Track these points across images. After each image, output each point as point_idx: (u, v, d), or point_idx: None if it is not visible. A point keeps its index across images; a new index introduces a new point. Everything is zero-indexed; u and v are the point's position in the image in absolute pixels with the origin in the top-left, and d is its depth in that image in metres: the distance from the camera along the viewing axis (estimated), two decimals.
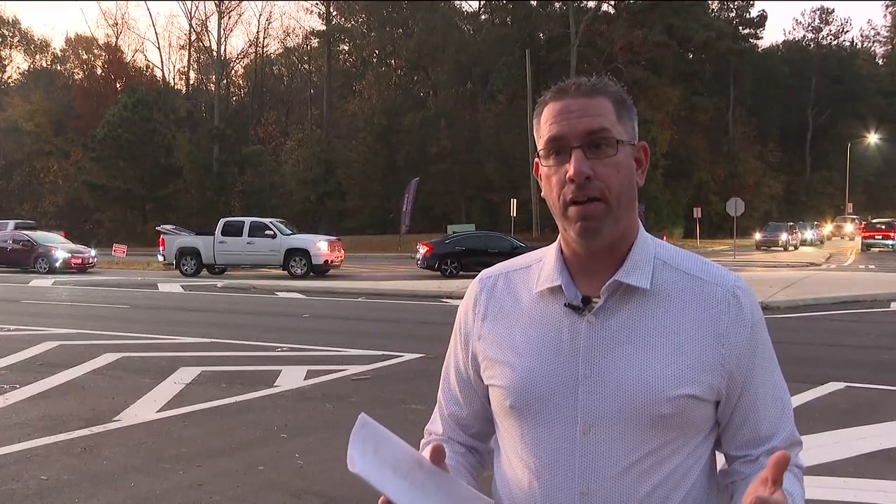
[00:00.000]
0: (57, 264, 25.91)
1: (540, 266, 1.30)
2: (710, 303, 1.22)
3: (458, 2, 67.97)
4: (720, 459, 1.33)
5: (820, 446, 5.42)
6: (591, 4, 58.90)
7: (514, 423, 1.26)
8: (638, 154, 1.26)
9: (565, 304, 1.24)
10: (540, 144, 1.24)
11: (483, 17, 65.28)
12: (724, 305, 1.22)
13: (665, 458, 1.19)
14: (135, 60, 70.58)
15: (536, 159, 1.26)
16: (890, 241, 41.10)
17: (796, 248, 43.84)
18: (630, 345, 1.19)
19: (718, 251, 39.51)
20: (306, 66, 71.39)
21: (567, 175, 1.18)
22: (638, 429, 1.17)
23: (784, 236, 42.52)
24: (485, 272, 1.39)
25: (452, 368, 1.41)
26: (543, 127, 1.23)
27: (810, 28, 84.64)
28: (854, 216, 64.12)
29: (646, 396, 1.17)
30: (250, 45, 70.52)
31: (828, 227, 62.22)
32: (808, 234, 50.44)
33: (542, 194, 1.26)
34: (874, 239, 42.33)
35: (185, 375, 7.97)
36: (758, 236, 43.08)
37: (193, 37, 67.88)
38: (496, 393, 1.29)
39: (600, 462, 1.19)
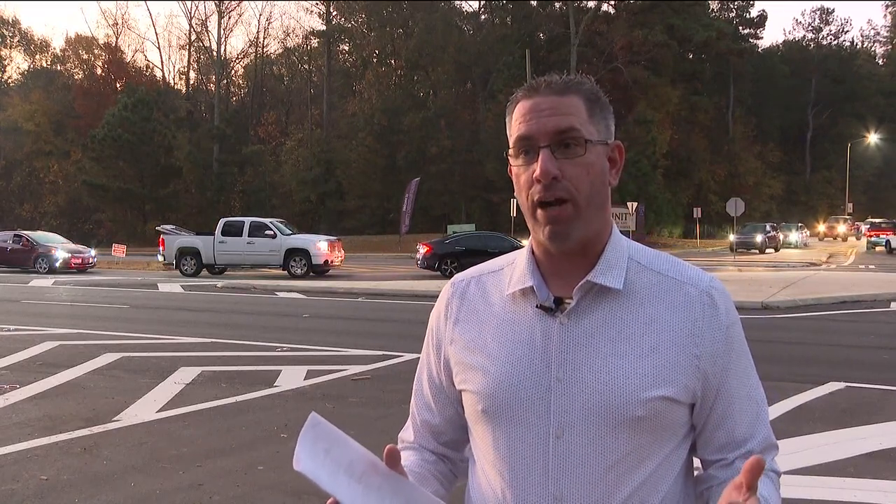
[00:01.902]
0: (57, 264, 25.92)
1: (512, 268, 1.29)
2: (684, 303, 1.19)
3: (458, 2, 68.09)
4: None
5: (820, 446, 5.42)
6: (591, 4, 58.95)
7: (486, 428, 1.24)
8: (612, 153, 1.23)
9: (537, 306, 1.21)
10: (510, 143, 1.22)
11: (483, 17, 65.29)
12: (699, 306, 1.19)
13: (640, 461, 1.16)
14: (135, 60, 70.68)
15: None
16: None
17: (777, 250, 41.55)
18: (603, 346, 1.17)
19: (718, 251, 39.52)
20: (306, 66, 71.37)
21: (534, 175, 1.16)
22: (611, 432, 1.15)
23: (759, 238, 39.88)
24: (457, 276, 1.37)
25: (425, 375, 1.39)
26: (514, 125, 1.21)
27: (810, 28, 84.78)
28: (847, 216, 63.36)
29: (618, 398, 1.14)
30: (250, 45, 70.72)
31: (821, 228, 61.32)
32: (794, 236, 48.10)
33: (514, 193, 1.23)
34: (879, 237, 42.72)
35: (185, 375, 7.97)
36: (732, 237, 40.30)
37: (193, 37, 67.98)
38: (469, 398, 1.27)
39: (574, 467, 1.16)
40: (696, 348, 1.17)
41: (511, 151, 1.22)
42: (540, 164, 1.15)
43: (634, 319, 1.18)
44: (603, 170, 1.20)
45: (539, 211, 1.17)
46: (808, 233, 53.54)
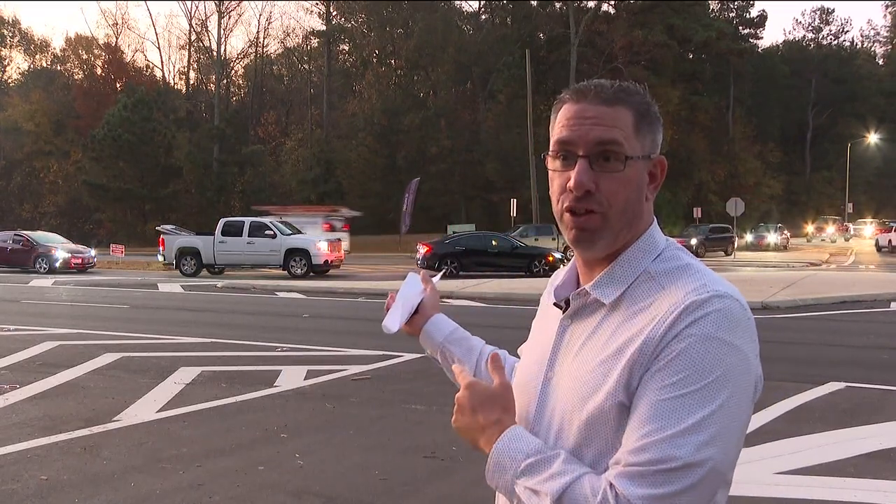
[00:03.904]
0: (57, 264, 25.91)
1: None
2: (656, 314, 1.11)
3: (458, 2, 68.11)
4: None
5: (820, 446, 5.42)
6: (591, 4, 59.00)
7: None
8: (654, 169, 1.22)
9: (553, 304, 1.28)
10: (551, 143, 1.22)
11: (483, 17, 65.39)
12: (668, 317, 1.09)
13: (594, 466, 1.12)
14: (135, 60, 70.71)
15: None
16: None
17: (728, 254, 36.30)
18: (579, 353, 1.18)
19: (717, 250, 39.46)
20: (306, 66, 71.41)
21: (568, 184, 1.17)
22: (568, 437, 1.15)
23: (694, 241, 34.43)
24: None
25: None
26: (556, 128, 1.21)
27: (810, 28, 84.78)
28: (836, 217, 62.10)
29: (568, 404, 1.16)
30: (250, 45, 70.73)
31: (809, 228, 59.30)
32: (771, 237, 43.27)
33: (549, 191, 1.24)
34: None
35: (185, 375, 7.97)
36: None
37: (193, 37, 68.03)
38: None
39: None
40: (642, 356, 1.09)
41: (550, 153, 1.22)
42: (575, 176, 1.15)
43: (615, 331, 1.15)
44: (640, 185, 1.19)
45: (567, 215, 1.18)
46: (788, 234, 47.40)
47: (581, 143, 1.16)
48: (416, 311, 1.66)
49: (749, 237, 41.74)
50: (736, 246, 37.68)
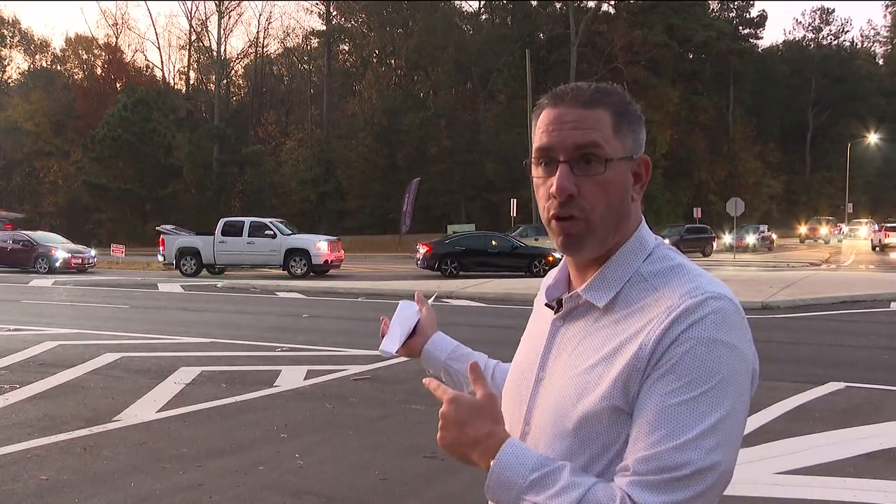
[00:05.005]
0: (57, 264, 25.91)
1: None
2: (651, 317, 1.11)
3: (458, 2, 68.10)
4: None
5: (820, 446, 5.42)
6: (591, 4, 59.07)
7: None
8: (638, 169, 1.21)
9: (545, 304, 1.27)
10: (533, 150, 1.21)
11: (483, 17, 65.43)
12: (661, 318, 1.09)
13: (585, 468, 1.11)
14: (135, 60, 70.72)
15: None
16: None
17: (706, 254, 35.67)
18: (572, 354, 1.17)
19: (717, 250, 39.51)
20: (306, 66, 71.43)
21: (551, 190, 1.16)
22: (560, 439, 1.13)
23: (666, 242, 33.95)
24: None
25: None
26: (536, 133, 1.20)
27: (810, 28, 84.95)
28: (830, 217, 61.29)
29: (561, 406, 1.15)
30: (250, 45, 70.77)
31: (802, 229, 57.10)
32: (750, 239, 41.31)
33: (536, 198, 1.24)
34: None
35: (185, 375, 7.97)
36: None
37: (193, 37, 68.05)
38: None
39: None
40: (638, 361, 1.09)
41: (533, 160, 1.21)
42: (556, 181, 1.15)
43: (609, 333, 1.15)
44: (624, 187, 1.18)
45: (554, 222, 1.18)
46: (774, 235, 45.24)
47: (560, 148, 1.15)
48: (414, 333, 1.61)
49: (727, 238, 40.08)
50: (715, 247, 37.09)
